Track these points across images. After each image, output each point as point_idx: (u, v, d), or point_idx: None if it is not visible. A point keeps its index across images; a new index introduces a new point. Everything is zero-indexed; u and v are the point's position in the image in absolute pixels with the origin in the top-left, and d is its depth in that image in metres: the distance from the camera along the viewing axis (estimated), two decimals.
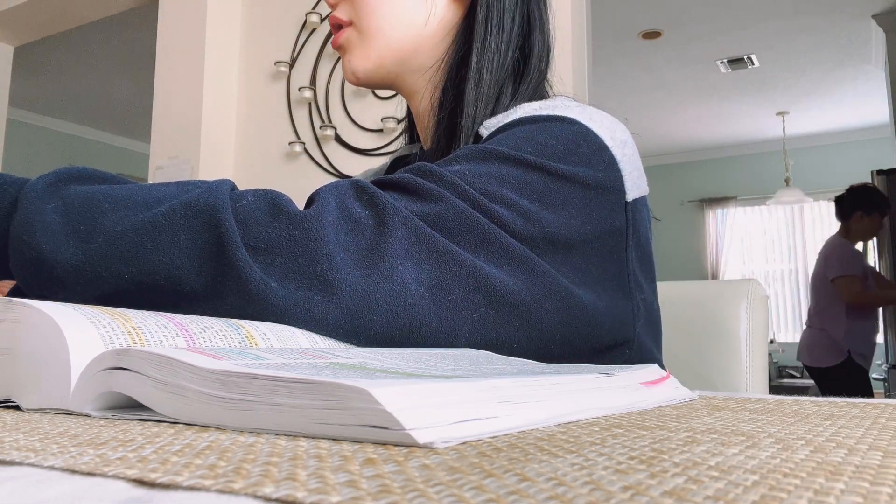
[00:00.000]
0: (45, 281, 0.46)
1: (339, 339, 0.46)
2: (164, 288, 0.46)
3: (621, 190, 0.57)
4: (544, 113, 0.59)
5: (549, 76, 0.72)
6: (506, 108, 0.64)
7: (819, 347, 3.10)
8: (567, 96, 0.67)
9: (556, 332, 0.51)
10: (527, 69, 0.68)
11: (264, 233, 0.45)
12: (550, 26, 0.72)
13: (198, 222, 0.45)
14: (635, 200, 0.59)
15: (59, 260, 0.45)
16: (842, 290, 3.04)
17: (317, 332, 0.45)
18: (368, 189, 0.49)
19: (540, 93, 0.69)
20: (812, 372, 3.18)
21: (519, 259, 0.50)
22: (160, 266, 0.45)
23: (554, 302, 0.51)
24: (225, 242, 0.44)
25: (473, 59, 0.65)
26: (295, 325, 0.45)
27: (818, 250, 3.36)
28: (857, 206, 3.14)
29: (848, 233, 3.17)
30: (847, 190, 3.24)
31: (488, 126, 0.61)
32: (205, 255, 0.45)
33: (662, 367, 0.66)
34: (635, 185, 0.59)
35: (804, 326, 3.31)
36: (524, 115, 0.60)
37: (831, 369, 3.07)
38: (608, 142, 0.58)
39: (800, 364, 5.78)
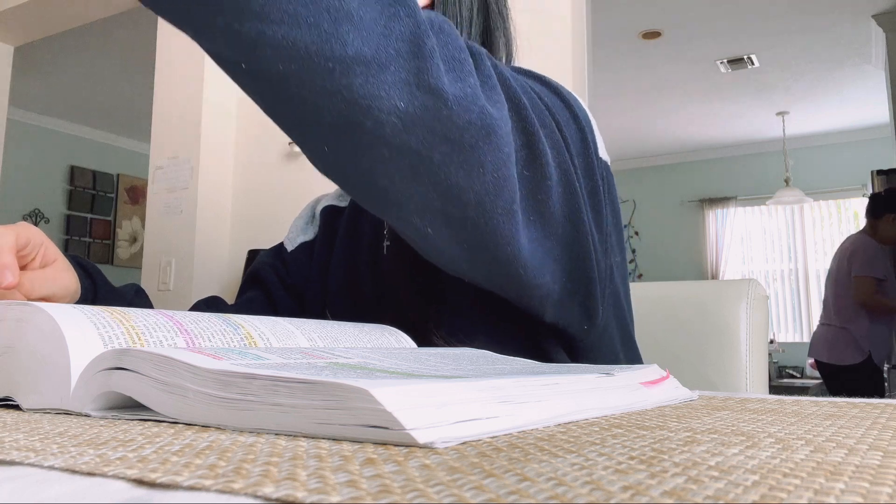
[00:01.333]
0: None
1: (433, 122, 0.42)
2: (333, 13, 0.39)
3: (592, 141, 0.58)
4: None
5: None
6: None
7: (842, 346, 3.08)
8: None
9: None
10: None
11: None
12: (512, 27, 0.72)
13: None
14: (605, 161, 0.59)
15: None
16: (855, 288, 3.03)
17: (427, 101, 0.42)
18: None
19: None
20: (826, 369, 3.15)
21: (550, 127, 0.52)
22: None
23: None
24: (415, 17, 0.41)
25: None
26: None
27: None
28: (890, 208, 3.14)
29: (875, 232, 3.16)
30: (885, 190, 3.24)
31: None
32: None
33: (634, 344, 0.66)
34: (601, 146, 0.60)
35: (820, 324, 3.26)
36: None
37: (849, 368, 3.06)
38: (576, 97, 0.61)
39: (800, 364, 5.79)
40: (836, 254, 3.24)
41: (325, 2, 0.38)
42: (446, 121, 0.41)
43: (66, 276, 0.59)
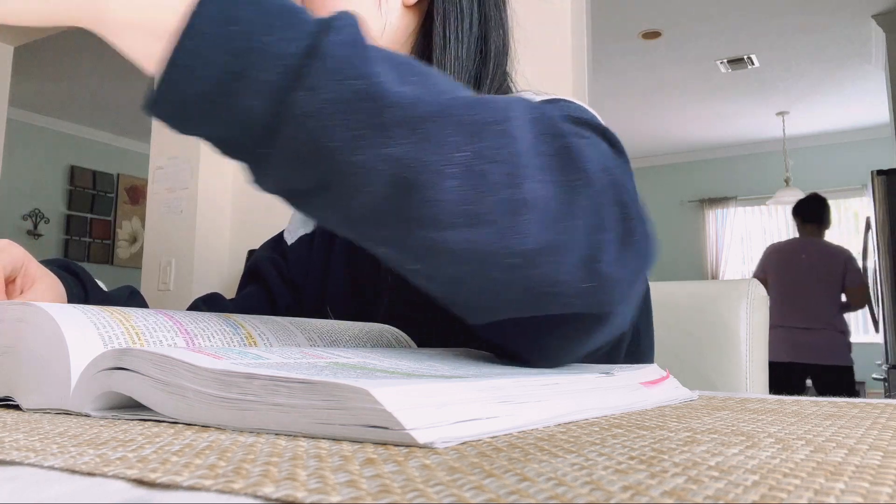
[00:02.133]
0: (363, 123, 0.33)
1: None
2: (499, 183, 0.35)
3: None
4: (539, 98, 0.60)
5: (512, 74, 0.71)
6: None
7: (845, 349, 3.18)
8: (533, 91, 0.67)
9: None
10: (485, 70, 0.68)
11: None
12: (509, 23, 0.71)
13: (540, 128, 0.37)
14: None
15: (400, 96, 0.33)
16: (861, 297, 3.15)
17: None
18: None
19: (505, 91, 0.69)
20: (830, 371, 3.17)
21: None
22: (503, 150, 0.34)
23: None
24: (573, 151, 0.37)
25: (434, 67, 0.65)
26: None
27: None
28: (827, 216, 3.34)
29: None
30: (811, 198, 3.35)
31: None
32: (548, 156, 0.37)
33: (644, 343, 0.66)
34: None
35: (804, 328, 3.23)
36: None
37: (848, 369, 3.15)
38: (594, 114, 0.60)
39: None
40: (817, 255, 3.28)
41: (501, 191, 0.34)
42: (621, 284, 0.39)
43: (48, 298, 0.60)
